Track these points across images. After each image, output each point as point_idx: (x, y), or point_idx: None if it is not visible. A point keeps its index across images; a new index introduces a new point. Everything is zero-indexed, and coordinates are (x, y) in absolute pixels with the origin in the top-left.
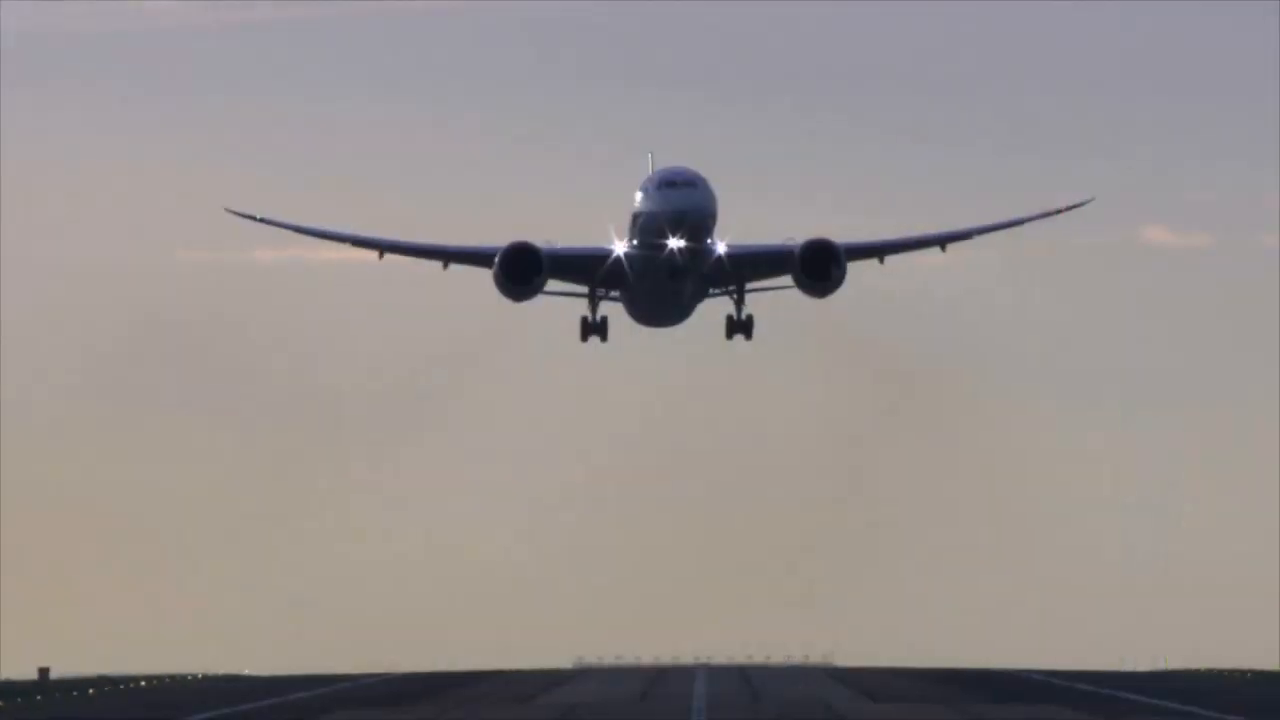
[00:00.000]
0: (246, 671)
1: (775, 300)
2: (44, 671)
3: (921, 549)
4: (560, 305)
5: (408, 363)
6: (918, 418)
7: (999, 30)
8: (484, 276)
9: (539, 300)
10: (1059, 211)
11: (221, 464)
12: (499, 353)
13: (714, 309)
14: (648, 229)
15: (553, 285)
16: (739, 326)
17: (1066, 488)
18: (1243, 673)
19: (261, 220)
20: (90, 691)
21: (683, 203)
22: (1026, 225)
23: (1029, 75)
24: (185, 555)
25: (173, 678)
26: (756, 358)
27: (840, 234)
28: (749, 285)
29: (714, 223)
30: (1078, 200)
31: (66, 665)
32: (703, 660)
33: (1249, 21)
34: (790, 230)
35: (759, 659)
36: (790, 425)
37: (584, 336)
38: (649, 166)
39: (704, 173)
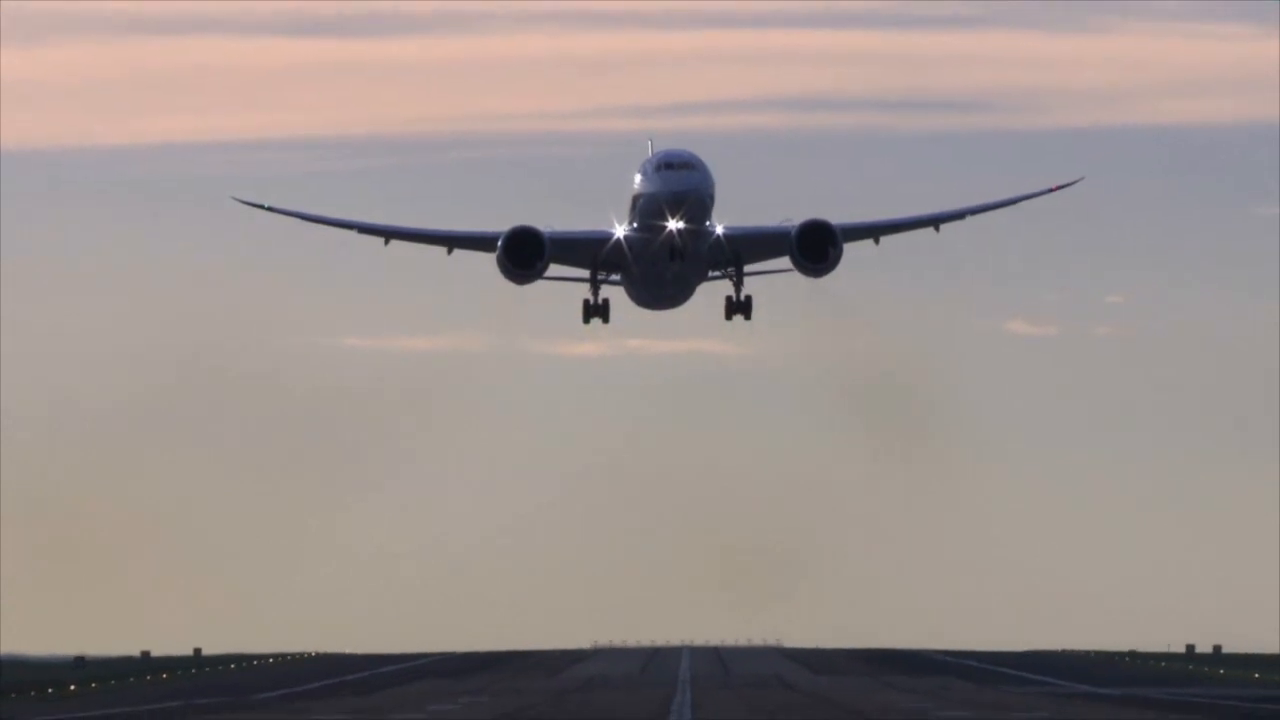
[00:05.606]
0: (349, 650)
1: (775, 281)
2: (198, 650)
3: (873, 544)
4: (561, 289)
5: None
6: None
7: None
8: (487, 261)
9: (540, 284)
10: (1050, 191)
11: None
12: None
13: (714, 291)
14: (647, 211)
15: (554, 270)
16: (738, 307)
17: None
18: (1121, 654)
19: (269, 209)
20: (231, 666)
21: (681, 184)
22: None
23: None
24: (276, 558)
25: (294, 655)
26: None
27: (837, 215)
28: (747, 267)
29: (712, 204)
30: (1068, 180)
31: (215, 644)
32: (686, 642)
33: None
34: (788, 212)
35: (729, 641)
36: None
37: (586, 319)
38: (648, 150)
39: (701, 155)
